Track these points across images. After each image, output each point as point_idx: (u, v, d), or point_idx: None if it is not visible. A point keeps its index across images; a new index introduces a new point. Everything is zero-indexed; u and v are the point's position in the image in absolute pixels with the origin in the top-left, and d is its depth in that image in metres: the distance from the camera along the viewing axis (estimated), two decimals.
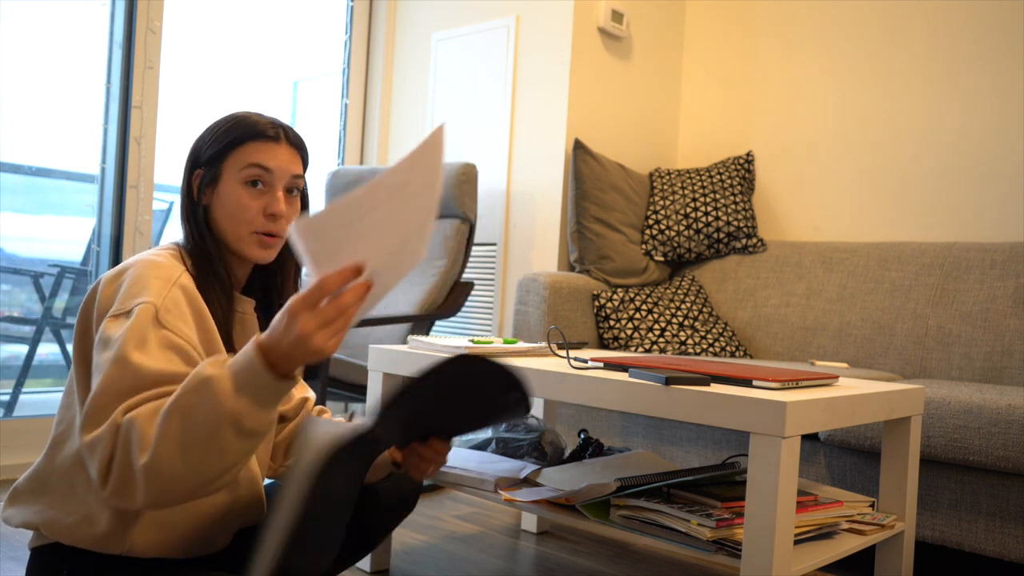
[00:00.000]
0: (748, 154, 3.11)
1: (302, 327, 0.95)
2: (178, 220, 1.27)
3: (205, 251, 1.21)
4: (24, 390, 2.80)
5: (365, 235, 0.95)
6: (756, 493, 1.24)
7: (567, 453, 1.92)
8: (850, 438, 1.98)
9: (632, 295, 2.73)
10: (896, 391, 1.55)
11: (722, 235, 2.95)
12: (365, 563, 1.85)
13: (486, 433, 1.95)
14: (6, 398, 2.77)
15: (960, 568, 2.14)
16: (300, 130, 1.30)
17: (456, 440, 1.96)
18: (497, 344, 1.77)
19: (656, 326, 2.66)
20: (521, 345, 1.81)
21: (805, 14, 3.12)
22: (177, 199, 1.80)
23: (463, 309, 3.09)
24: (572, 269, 2.91)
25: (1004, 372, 2.34)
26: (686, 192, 3.00)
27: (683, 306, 2.77)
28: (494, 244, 3.12)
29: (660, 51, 3.33)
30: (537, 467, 1.75)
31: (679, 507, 1.39)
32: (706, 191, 2.99)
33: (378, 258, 0.97)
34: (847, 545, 1.45)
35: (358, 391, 2.44)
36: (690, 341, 2.65)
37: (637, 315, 2.67)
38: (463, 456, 1.84)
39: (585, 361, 1.60)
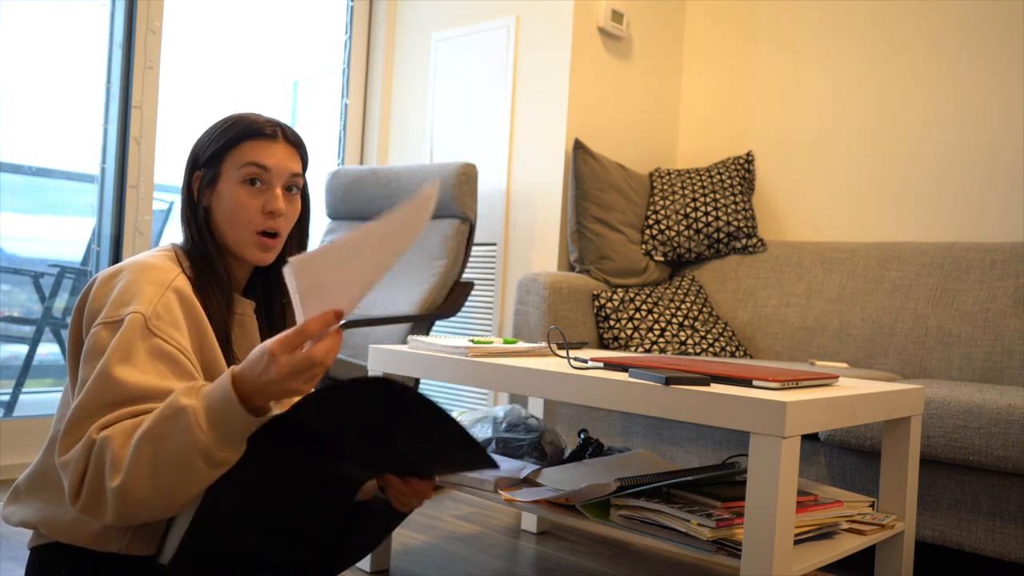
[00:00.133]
0: (748, 154, 3.11)
1: (279, 370, 0.97)
2: (178, 220, 1.27)
3: (205, 252, 1.22)
4: (24, 390, 2.80)
5: (350, 278, 0.99)
6: (756, 493, 1.24)
7: (567, 453, 1.92)
8: (850, 438, 1.98)
9: (632, 295, 2.73)
10: (896, 391, 1.55)
11: (722, 235, 2.95)
12: (365, 563, 1.85)
13: (486, 433, 1.95)
14: (6, 398, 2.77)
15: (960, 568, 2.14)
16: (300, 130, 1.30)
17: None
18: (497, 344, 1.77)
19: (656, 326, 2.66)
20: (521, 345, 1.81)
21: (805, 14, 3.12)
22: (177, 199, 1.80)
23: (463, 309, 3.09)
24: (572, 269, 2.91)
25: (1004, 372, 2.34)
26: (686, 192, 3.00)
27: (683, 306, 2.77)
28: (494, 244, 3.12)
29: (660, 51, 3.33)
30: (537, 467, 1.75)
31: (679, 507, 1.39)
32: (706, 191, 2.99)
33: (355, 299, 1.02)
34: (847, 545, 1.45)
35: None
36: (690, 341, 2.65)
37: (637, 315, 2.67)
38: None
39: (585, 361, 1.60)
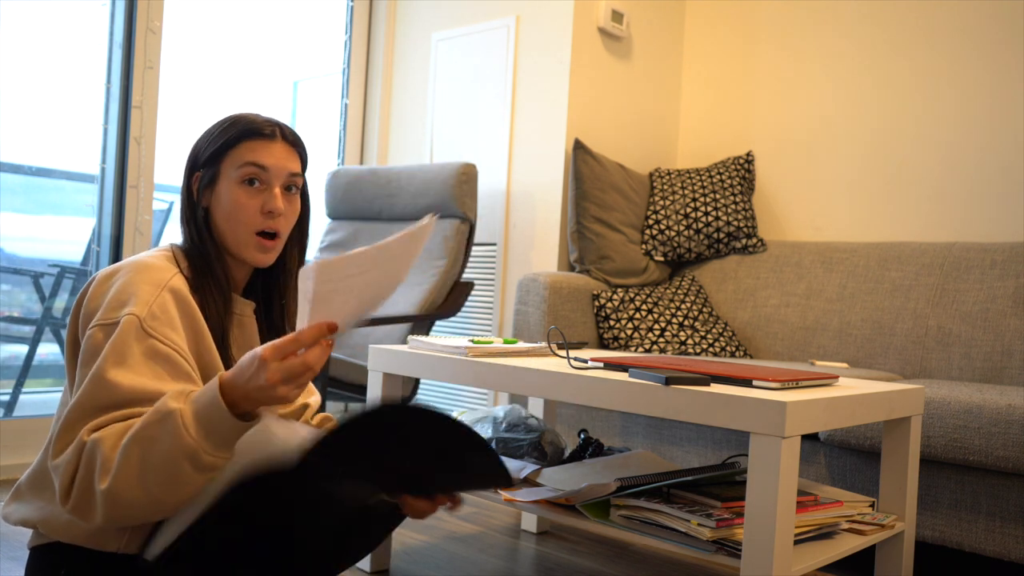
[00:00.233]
0: (748, 154, 3.11)
1: (269, 376, 0.98)
2: (178, 220, 1.27)
3: (203, 253, 1.22)
4: (24, 390, 2.80)
5: (354, 293, 1.02)
6: (756, 493, 1.24)
7: (567, 453, 1.92)
8: (850, 438, 1.98)
9: (632, 295, 2.73)
10: (896, 391, 1.55)
11: (722, 235, 2.95)
12: (365, 563, 1.85)
13: (486, 433, 1.95)
14: (6, 398, 2.77)
15: (960, 568, 2.14)
16: (300, 130, 1.30)
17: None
18: (497, 344, 1.77)
19: (656, 326, 2.66)
20: (521, 345, 1.81)
21: (805, 14, 3.12)
22: (177, 199, 1.80)
23: (463, 309, 3.09)
24: (572, 269, 2.91)
25: (1004, 372, 2.34)
26: (686, 192, 3.00)
27: (683, 306, 2.77)
28: (494, 244, 3.12)
29: (660, 51, 3.33)
30: (537, 467, 1.75)
31: (679, 507, 1.39)
32: (706, 191, 2.99)
33: (352, 316, 1.04)
34: (847, 545, 1.45)
35: (358, 391, 2.45)
36: (690, 341, 2.65)
37: (637, 315, 2.67)
38: None
39: (585, 361, 1.60)
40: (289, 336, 1.00)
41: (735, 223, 2.95)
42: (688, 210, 2.97)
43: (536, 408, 2.20)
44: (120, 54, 2.75)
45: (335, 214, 3.14)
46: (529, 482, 1.69)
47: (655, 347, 2.61)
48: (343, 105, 3.54)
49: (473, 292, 3.07)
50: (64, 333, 2.98)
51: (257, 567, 1.13)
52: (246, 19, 3.65)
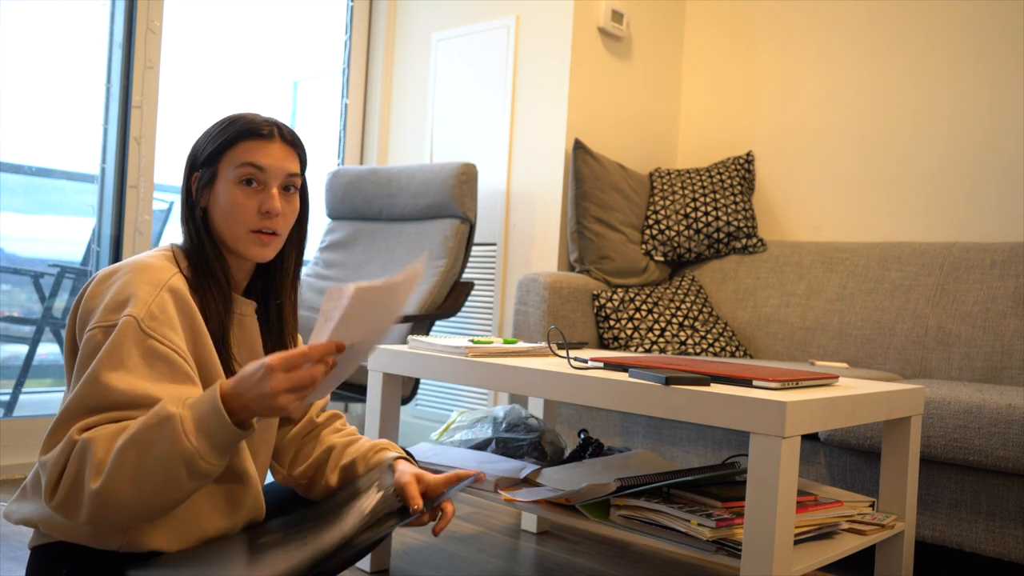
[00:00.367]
0: (748, 154, 3.11)
1: (274, 385, 1.00)
2: (178, 220, 1.27)
3: (203, 252, 1.22)
4: (24, 390, 2.80)
5: (372, 319, 1.06)
6: (756, 493, 1.24)
7: (567, 453, 1.92)
8: (850, 438, 1.98)
9: (632, 295, 2.73)
10: (896, 391, 1.55)
11: (722, 235, 2.95)
12: (365, 563, 1.85)
13: (486, 433, 1.95)
14: (6, 398, 2.77)
15: (960, 568, 2.14)
16: (300, 130, 1.30)
17: (456, 439, 1.96)
18: (497, 344, 1.77)
19: (656, 326, 2.66)
20: (521, 345, 1.81)
21: (805, 14, 3.12)
22: (177, 199, 1.80)
23: (463, 309, 3.09)
24: (572, 269, 2.91)
25: (1004, 372, 2.34)
26: (686, 192, 3.00)
27: (683, 306, 2.77)
28: (494, 244, 3.12)
29: (660, 51, 3.33)
30: (537, 467, 1.75)
31: (679, 507, 1.39)
32: (706, 191, 2.99)
33: (362, 341, 1.08)
34: (847, 545, 1.45)
35: (358, 391, 2.45)
36: (690, 341, 2.65)
37: (637, 315, 2.67)
38: (463, 456, 1.84)
39: (585, 361, 1.60)
40: (299, 349, 1.02)
41: (735, 223, 2.95)
42: (688, 210, 2.97)
43: (536, 408, 2.20)
44: (120, 54, 2.75)
45: (335, 214, 3.14)
46: (529, 482, 1.69)
47: (655, 347, 2.61)
48: (343, 105, 3.54)
49: (473, 292, 3.07)
50: (64, 333, 2.98)
51: None
52: (246, 19, 3.65)
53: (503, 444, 1.90)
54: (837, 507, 1.51)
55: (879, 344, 2.56)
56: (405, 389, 2.61)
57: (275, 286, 1.32)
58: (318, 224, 3.18)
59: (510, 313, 3.01)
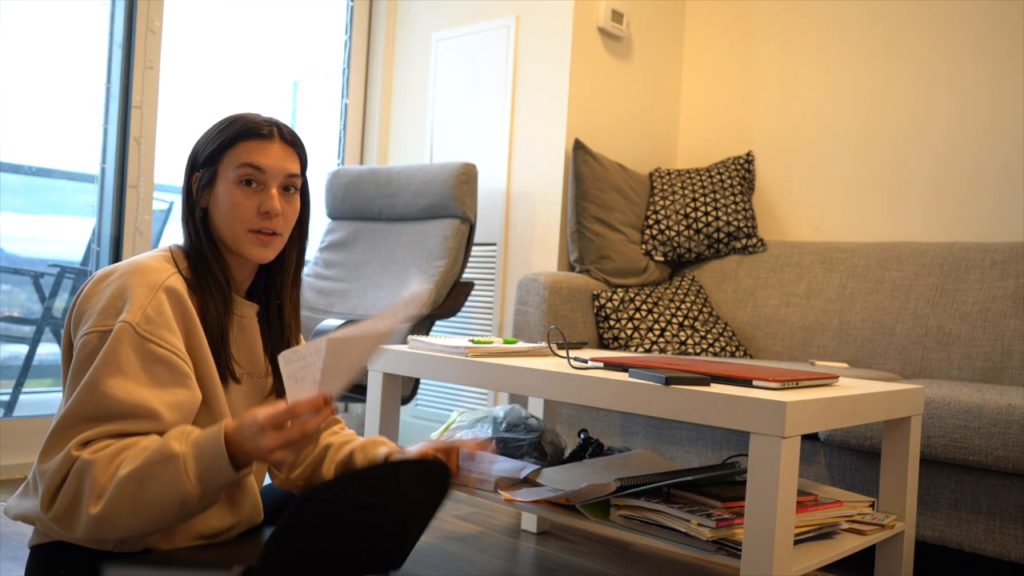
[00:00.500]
0: (748, 154, 3.11)
1: (266, 442, 1.03)
2: (178, 220, 1.27)
3: (202, 253, 1.22)
4: (24, 390, 2.80)
5: (349, 362, 1.08)
6: (756, 493, 1.24)
7: (567, 453, 1.92)
8: (850, 438, 1.98)
9: (632, 295, 2.73)
10: (896, 391, 1.55)
11: (722, 235, 2.95)
12: None
13: (486, 433, 1.94)
14: (6, 398, 2.78)
15: (960, 568, 2.14)
16: (300, 130, 1.29)
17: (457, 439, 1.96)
18: (497, 344, 1.77)
19: (656, 326, 2.66)
20: (521, 345, 1.81)
21: (805, 14, 3.12)
22: (177, 199, 1.80)
23: (463, 309, 3.09)
24: (572, 269, 2.91)
25: (1004, 372, 2.34)
26: (686, 192, 3.00)
27: (683, 306, 2.77)
28: (494, 244, 3.12)
29: (660, 51, 3.33)
30: (537, 467, 1.75)
31: (679, 507, 1.39)
32: (706, 191, 2.99)
33: (341, 388, 1.10)
34: (847, 545, 1.45)
35: (358, 391, 2.45)
36: (690, 341, 2.65)
37: (637, 315, 2.67)
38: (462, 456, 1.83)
39: (585, 361, 1.60)
40: (284, 408, 1.04)
41: (735, 223, 2.95)
42: (688, 210, 2.97)
43: (536, 408, 2.20)
44: (120, 54, 2.75)
45: (335, 214, 3.14)
46: (529, 482, 1.69)
47: (655, 347, 2.61)
48: (343, 105, 3.54)
49: (473, 292, 3.07)
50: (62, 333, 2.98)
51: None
52: (246, 19, 3.65)
53: (503, 444, 1.90)
54: (837, 507, 1.51)
55: (879, 344, 2.56)
56: (405, 389, 2.61)
57: (276, 286, 1.32)
58: (318, 224, 3.18)
59: (510, 313, 3.01)
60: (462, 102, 3.24)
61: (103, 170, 2.79)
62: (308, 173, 1.31)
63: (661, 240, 2.96)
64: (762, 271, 2.90)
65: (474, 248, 3.14)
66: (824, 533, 1.48)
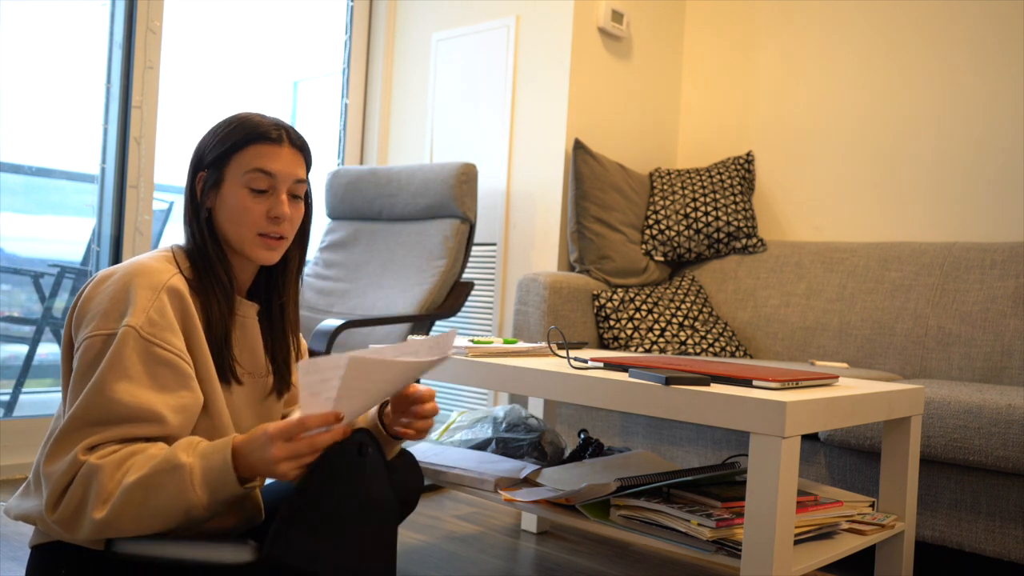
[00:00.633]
0: (748, 154, 3.11)
1: (275, 453, 1.04)
2: (178, 220, 1.27)
3: (205, 253, 1.21)
4: (24, 390, 2.80)
5: (368, 387, 1.08)
6: (756, 493, 1.24)
7: (567, 453, 1.92)
8: (850, 438, 1.98)
9: (632, 295, 2.73)
10: (896, 391, 1.55)
11: (722, 235, 2.95)
12: None
13: (486, 433, 1.95)
14: (6, 398, 2.78)
15: (960, 568, 2.14)
16: (300, 130, 1.29)
17: (456, 439, 1.96)
18: (497, 344, 1.77)
19: (656, 326, 2.66)
20: (521, 345, 1.81)
21: (805, 14, 3.12)
22: (177, 199, 1.80)
23: (463, 309, 3.09)
24: (572, 269, 2.91)
25: (1004, 372, 2.34)
26: (686, 192, 3.00)
27: (683, 306, 2.77)
28: (494, 244, 3.12)
29: (660, 51, 3.33)
30: (537, 467, 1.75)
31: (679, 507, 1.39)
32: (706, 191, 2.99)
33: (358, 411, 1.11)
34: (847, 545, 1.45)
35: None
36: (690, 341, 2.65)
37: (637, 315, 2.67)
38: (463, 456, 1.84)
39: (585, 361, 1.60)
40: (296, 419, 1.05)
41: (735, 223, 2.95)
42: (688, 210, 2.97)
43: (536, 408, 2.20)
44: (120, 54, 2.75)
45: (335, 214, 3.14)
46: (529, 482, 1.69)
47: (655, 347, 2.61)
48: (343, 105, 3.54)
49: (473, 292, 3.07)
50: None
51: None
52: (246, 19, 3.65)
53: (503, 444, 1.90)
54: (837, 507, 1.51)
55: (879, 344, 2.56)
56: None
57: (278, 286, 1.32)
58: (318, 224, 3.18)
59: (510, 313, 3.01)
60: (462, 102, 3.24)
61: (103, 170, 2.79)
62: (308, 173, 1.31)
63: (661, 240, 2.96)
64: (762, 271, 2.90)
65: (474, 248, 3.14)
66: (824, 533, 1.48)
